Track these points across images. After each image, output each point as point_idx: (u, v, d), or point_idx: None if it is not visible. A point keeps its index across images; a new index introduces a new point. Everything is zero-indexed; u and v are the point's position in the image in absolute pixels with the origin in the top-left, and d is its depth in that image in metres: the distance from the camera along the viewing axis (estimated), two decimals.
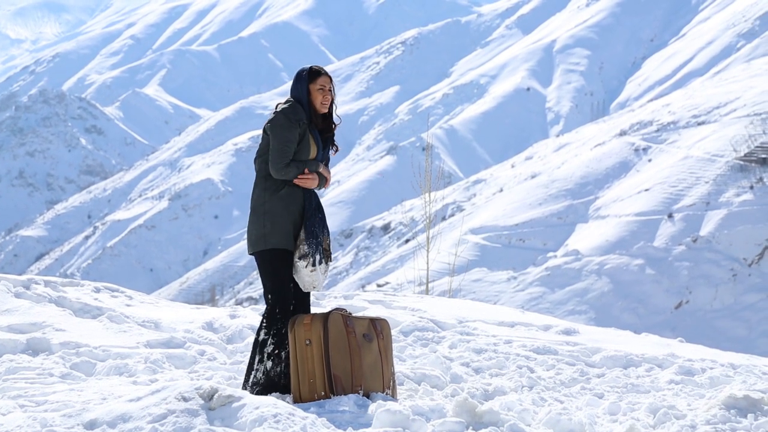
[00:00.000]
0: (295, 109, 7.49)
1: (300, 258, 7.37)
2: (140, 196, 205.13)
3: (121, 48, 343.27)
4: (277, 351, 7.41)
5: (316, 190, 7.61)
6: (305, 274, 7.39)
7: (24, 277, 11.07)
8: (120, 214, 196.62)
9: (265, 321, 7.43)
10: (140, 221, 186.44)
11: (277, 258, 7.40)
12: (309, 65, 7.66)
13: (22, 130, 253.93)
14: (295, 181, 7.44)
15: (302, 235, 7.41)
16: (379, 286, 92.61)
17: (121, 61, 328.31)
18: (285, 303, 7.43)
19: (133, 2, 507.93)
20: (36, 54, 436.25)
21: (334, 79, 7.67)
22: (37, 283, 11.00)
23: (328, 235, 7.61)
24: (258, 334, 7.45)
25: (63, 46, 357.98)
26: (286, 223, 7.41)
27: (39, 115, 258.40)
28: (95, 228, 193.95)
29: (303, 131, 7.46)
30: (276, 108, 7.60)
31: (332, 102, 7.63)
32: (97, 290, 11.53)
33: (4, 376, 8.02)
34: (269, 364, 7.38)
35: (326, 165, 7.69)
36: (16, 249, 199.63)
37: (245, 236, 7.73)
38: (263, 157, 7.51)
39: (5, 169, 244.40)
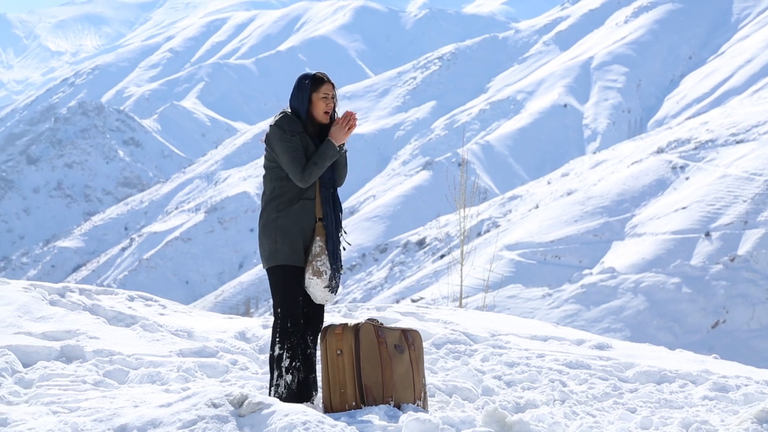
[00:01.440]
0: (289, 119, 7.35)
1: (314, 275, 7.30)
2: (177, 208, 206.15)
3: (159, 61, 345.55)
4: (294, 363, 7.38)
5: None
6: (319, 290, 7.35)
7: (59, 285, 11.13)
8: (156, 227, 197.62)
9: (278, 336, 7.38)
10: (176, 233, 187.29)
11: (288, 274, 7.35)
12: (312, 72, 7.49)
13: (61, 142, 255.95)
14: (338, 130, 7.36)
15: (316, 249, 7.34)
16: (413, 301, 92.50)
17: (160, 74, 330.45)
18: (296, 317, 7.39)
19: (172, 16, 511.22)
20: (76, 66, 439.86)
21: (335, 88, 7.48)
22: (72, 291, 11.06)
23: (344, 249, 7.55)
24: (272, 349, 7.41)
25: (102, 59, 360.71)
26: (297, 238, 7.34)
27: (78, 126, 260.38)
28: (132, 240, 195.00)
29: (304, 141, 7.34)
30: (272, 122, 7.49)
31: (334, 110, 7.46)
32: (131, 299, 11.58)
33: (38, 382, 8.07)
34: (288, 377, 7.36)
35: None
36: (54, 260, 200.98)
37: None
38: (270, 172, 7.42)
39: (44, 180, 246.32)
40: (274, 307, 7.43)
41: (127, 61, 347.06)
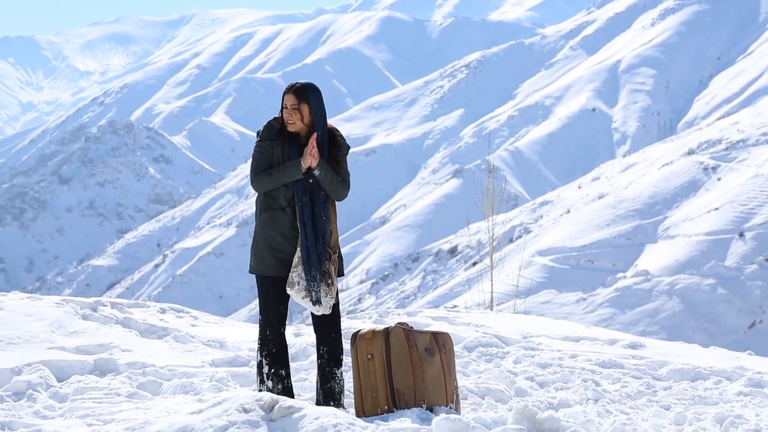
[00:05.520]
0: (269, 126, 7.35)
1: (288, 285, 7.24)
2: (208, 223, 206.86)
3: (187, 77, 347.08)
4: (274, 370, 7.38)
5: (318, 175, 7.23)
6: (299, 300, 7.26)
7: (91, 299, 11.19)
8: (189, 242, 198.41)
9: (259, 343, 7.43)
10: (209, 249, 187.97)
11: (258, 282, 7.38)
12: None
13: (92, 161, 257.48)
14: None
15: (295, 260, 7.24)
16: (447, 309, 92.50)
17: (188, 91, 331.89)
18: (273, 325, 7.38)
19: (198, 32, 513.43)
20: (104, 85, 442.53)
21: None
22: (104, 305, 11.11)
23: (328, 258, 7.29)
24: (257, 356, 7.46)
25: (131, 77, 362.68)
26: (262, 248, 7.31)
27: (108, 145, 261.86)
28: (165, 256, 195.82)
29: (275, 148, 7.30)
30: None
31: (304, 120, 7.26)
32: (163, 311, 11.62)
33: (73, 396, 8.11)
34: (270, 383, 7.38)
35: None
36: (88, 278, 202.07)
37: None
38: None
39: (76, 199, 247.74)
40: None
41: (155, 78, 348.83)
